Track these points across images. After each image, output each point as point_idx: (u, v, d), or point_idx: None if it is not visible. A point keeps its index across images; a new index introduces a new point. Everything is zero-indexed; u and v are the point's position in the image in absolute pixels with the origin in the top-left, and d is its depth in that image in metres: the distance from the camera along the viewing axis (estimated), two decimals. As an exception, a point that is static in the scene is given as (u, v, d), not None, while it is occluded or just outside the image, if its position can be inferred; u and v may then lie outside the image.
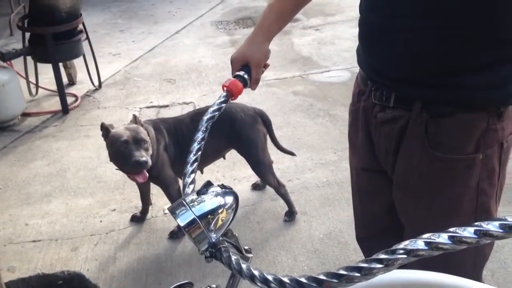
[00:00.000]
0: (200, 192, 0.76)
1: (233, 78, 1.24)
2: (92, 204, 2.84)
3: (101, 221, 2.69)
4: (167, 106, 4.07)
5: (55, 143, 3.55)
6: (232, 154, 2.70)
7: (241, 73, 1.27)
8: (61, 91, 3.99)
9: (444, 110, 1.07)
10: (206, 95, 4.18)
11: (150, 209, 2.71)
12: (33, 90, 4.29)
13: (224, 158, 2.69)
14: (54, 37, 3.77)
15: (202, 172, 2.66)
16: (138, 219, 2.66)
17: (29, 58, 4.04)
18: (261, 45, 1.33)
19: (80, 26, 4.04)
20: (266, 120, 2.55)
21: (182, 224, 0.71)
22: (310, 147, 3.28)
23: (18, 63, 4.09)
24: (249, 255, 0.82)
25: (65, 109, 4.00)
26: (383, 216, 1.35)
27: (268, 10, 1.36)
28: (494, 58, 1.02)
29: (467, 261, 1.20)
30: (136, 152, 2.14)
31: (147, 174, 2.19)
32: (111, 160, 2.26)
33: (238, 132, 2.44)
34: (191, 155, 1.00)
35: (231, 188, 0.79)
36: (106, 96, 4.34)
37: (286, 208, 2.61)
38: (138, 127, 2.24)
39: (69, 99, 4.16)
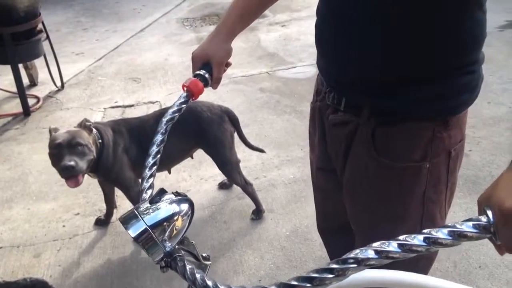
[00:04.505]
0: (153, 200, 0.73)
1: (193, 78, 1.21)
2: (55, 208, 2.77)
3: (64, 226, 2.62)
4: (132, 105, 4.00)
5: (16, 147, 3.45)
6: (199, 154, 2.67)
7: (202, 72, 1.23)
8: (21, 92, 3.87)
9: (390, 119, 1.07)
10: (173, 94, 4.12)
11: (115, 211, 2.65)
12: (-8, 92, 4.16)
13: (192, 158, 2.66)
14: (12, 37, 3.65)
15: (169, 172, 2.63)
16: (103, 222, 2.61)
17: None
18: (224, 43, 1.30)
19: (40, 26, 3.92)
20: (233, 118, 2.53)
21: (133, 235, 0.68)
22: (277, 144, 3.27)
23: (-25, 64, 3.95)
24: (207, 263, 0.81)
25: (26, 111, 3.89)
26: (341, 212, 1.33)
27: (233, 8, 1.32)
28: (436, 70, 1.01)
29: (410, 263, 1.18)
30: (66, 156, 2.05)
31: (80, 180, 2.10)
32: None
33: (205, 131, 2.42)
34: (150, 159, 0.97)
35: (186, 195, 0.77)
36: (69, 96, 4.23)
37: (253, 207, 2.60)
38: (78, 131, 2.16)
39: (31, 101, 4.04)
